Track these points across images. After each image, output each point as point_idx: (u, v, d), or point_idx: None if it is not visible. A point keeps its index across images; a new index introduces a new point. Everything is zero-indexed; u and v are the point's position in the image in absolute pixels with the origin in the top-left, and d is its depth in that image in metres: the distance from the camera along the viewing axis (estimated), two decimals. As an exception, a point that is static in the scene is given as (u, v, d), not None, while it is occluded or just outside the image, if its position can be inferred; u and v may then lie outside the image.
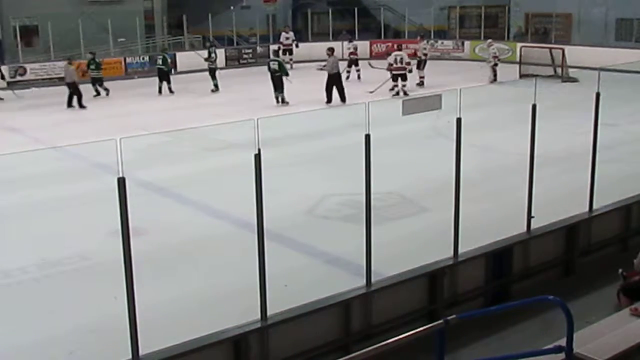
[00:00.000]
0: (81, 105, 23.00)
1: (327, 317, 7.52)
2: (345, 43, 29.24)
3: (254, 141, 6.36)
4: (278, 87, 22.04)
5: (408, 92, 22.65)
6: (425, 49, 26.43)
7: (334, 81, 22.00)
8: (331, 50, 22.73)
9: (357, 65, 27.65)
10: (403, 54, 23.93)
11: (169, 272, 9.21)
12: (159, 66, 25.94)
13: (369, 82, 23.96)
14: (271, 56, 24.41)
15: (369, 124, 7.12)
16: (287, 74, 22.26)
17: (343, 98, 21.64)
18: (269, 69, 22.42)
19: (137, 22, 32.20)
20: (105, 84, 26.83)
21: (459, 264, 8.45)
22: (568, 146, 14.39)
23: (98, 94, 25.24)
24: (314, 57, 30.00)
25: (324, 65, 22.81)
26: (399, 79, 23.67)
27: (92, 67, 25.52)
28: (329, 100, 21.70)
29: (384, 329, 7.63)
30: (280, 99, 21.94)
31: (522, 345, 7.06)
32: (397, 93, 23.41)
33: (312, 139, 16.27)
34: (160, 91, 25.51)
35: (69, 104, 22.96)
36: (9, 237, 10.67)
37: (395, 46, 26.65)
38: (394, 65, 23.45)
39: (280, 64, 22.36)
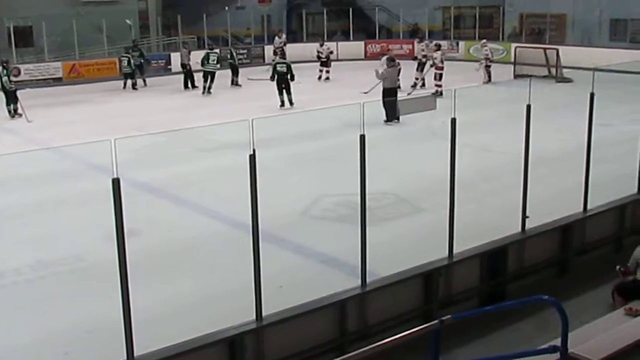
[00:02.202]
0: (194, 86, 26.37)
1: (323, 318, 7.52)
2: (317, 46, 29.40)
3: (249, 142, 6.36)
4: (286, 89, 21.62)
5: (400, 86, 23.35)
6: (423, 50, 26.31)
7: (393, 95, 18.90)
8: (391, 59, 20.57)
9: (328, 66, 28.12)
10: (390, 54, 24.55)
11: (164, 272, 9.20)
12: (229, 60, 27.11)
13: (363, 83, 23.93)
14: (276, 59, 24.20)
15: (363, 124, 7.12)
16: (293, 77, 21.73)
17: (397, 116, 17.89)
18: (275, 71, 21.95)
19: (132, 23, 32.14)
20: (100, 84, 26.95)
21: (454, 264, 8.46)
22: (562, 146, 14.43)
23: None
24: (307, 57, 30.04)
25: (380, 74, 19.76)
26: None
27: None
28: (390, 118, 18.10)
29: (379, 329, 7.63)
30: (288, 101, 21.56)
31: (517, 345, 7.07)
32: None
33: (307, 139, 16.28)
34: (232, 83, 26.82)
35: (185, 86, 26.50)
36: (3, 239, 10.64)
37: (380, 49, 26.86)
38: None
39: (288, 66, 21.86)
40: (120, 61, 27.08)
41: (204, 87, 25.12)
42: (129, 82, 26.84)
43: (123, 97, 25.22)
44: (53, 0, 31.70)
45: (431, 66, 24.14)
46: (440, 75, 23.20)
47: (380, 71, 19.79)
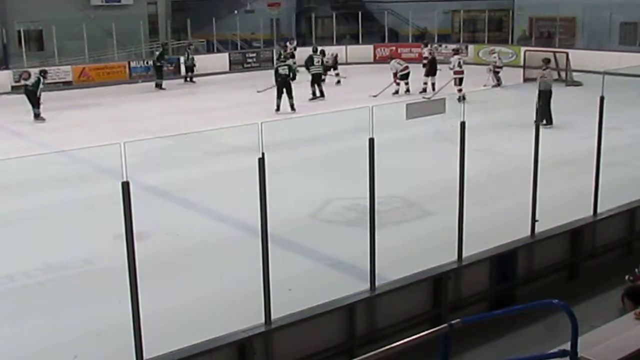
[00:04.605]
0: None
1: (332, 321, 7.53)
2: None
3: (258, 145, 6.37)
4: (287, 92, 21.53)
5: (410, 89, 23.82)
6: (427, 53, 26.24)
7: (549, 99, 18.05)
8: (546, 61, 19.63)
9: (336, 69, 28.00)
10: (399, 59, 25.21)
11: (173, 276, 9.21)
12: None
13: (372, 86, 23.95)
14: (278, 61, 24.12)
15: (372, 128, 7.12)
16: (294, 77, 21.73)
17: (550, 121, 17.78)
18: (277, 74, 21.94)
19: (141, 27, 32.26)
20: (109, 88, 27.02)
21: (463, 268, 8.45)
22: (572, 150, 14.38)
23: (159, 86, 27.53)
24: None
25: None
26: (402, 81, 23.95)
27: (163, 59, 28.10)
28: (550, 122, 17.80)
29: (388, 333, 7.63)
30: (289, 106, 21.43)
31: (527, 349, 7.05)
32: (397, 92, 23.98)
33: (316, 142, 16.26)
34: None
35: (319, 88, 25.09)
36: (13, 241, 10.67)
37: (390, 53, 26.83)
38: (399, 72, 23.87)
39: (290, 68, 21.94)
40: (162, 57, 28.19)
41: (313, 93, 23.98)
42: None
43: (132, 100, 25.26)
44: (63, 4, 31.86)
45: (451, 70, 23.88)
46: (459, 79, 22.91)
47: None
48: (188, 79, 29.21)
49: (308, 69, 24.46)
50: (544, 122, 17.77)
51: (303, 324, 7.24)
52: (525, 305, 7.62)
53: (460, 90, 22.19)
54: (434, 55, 25.82)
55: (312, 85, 24.02)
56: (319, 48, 26.46)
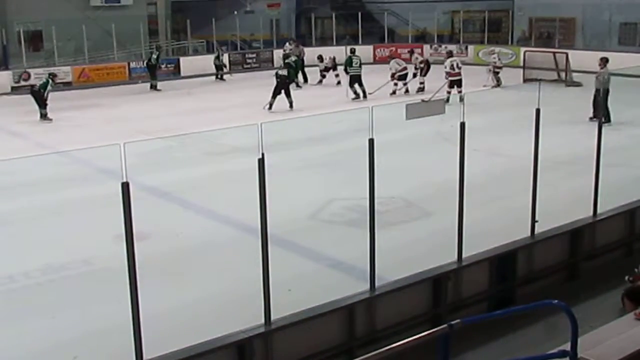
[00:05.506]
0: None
1: (331, 322, 7.52)
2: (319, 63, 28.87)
3: (258, 145, 6.37)
4: (285, 92, 21.73)
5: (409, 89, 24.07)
6: (417, 58, 26.25)
7: (606, 97, 17.34)
8: (605, 60, 19.10)
9: (335, 70, 27.98)
10: (399, 60, 25.31)
11: (173, 276, 9.20)
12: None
13: (372, 86, 23.95)
14: (280, 64, 24.25)
15: (372, 128, 7.12)
16: (293, 80, 21.98)
17: (608, 118, 17.14)
18: (277, 76, 22.13)
19: (141, 27, 32.26)
20: (109, 89, 27.00)
21: (463, 268, 8.44)
22: (572, 150, 14.38)
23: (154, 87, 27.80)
24: (316, 61, 30.07)
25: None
26: (400, 82, 23.98)
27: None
28: (608, 119, 17.14)
29: (387, 334, 7.63)
30: (288, 104, 21.62)
31: (526, 350, 7.05)
32: (394, 92, 24.07)
33: (316, 143, 16.27)
34: (306, 80, 27.92)
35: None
36: (13, 242, 10.67)
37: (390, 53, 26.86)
38: (397, 73, 23.91)
39: (289, 70, 22.28)
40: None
41: (355, 92, 23.93)
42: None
43: (132, 101, 25.26)
44: (63, 4, 31.80)
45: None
46: (452, 82, 22.68)
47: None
48: (219, 77, 30.22)
49: (346, 70, 24.49)
50: (603, 119, 17.77)
51: (303, 325, 7.24)
52: (525, 305, 7.60)
53: (459, 92, 22.13)
54: (427, 58, 26.04)
55: (352, 85, 24.06)
56: (355, 48, 26.40)
